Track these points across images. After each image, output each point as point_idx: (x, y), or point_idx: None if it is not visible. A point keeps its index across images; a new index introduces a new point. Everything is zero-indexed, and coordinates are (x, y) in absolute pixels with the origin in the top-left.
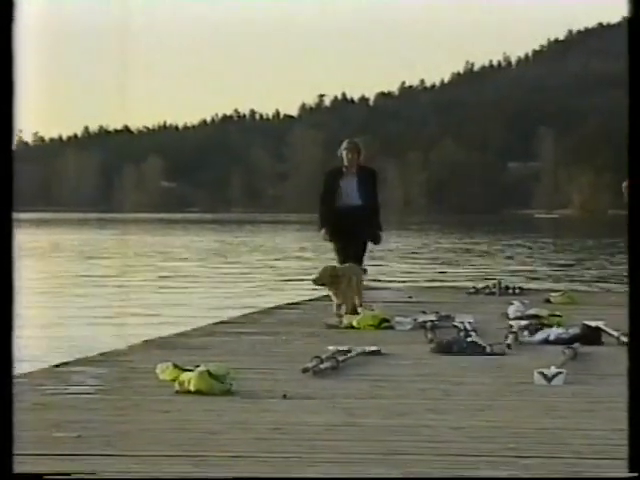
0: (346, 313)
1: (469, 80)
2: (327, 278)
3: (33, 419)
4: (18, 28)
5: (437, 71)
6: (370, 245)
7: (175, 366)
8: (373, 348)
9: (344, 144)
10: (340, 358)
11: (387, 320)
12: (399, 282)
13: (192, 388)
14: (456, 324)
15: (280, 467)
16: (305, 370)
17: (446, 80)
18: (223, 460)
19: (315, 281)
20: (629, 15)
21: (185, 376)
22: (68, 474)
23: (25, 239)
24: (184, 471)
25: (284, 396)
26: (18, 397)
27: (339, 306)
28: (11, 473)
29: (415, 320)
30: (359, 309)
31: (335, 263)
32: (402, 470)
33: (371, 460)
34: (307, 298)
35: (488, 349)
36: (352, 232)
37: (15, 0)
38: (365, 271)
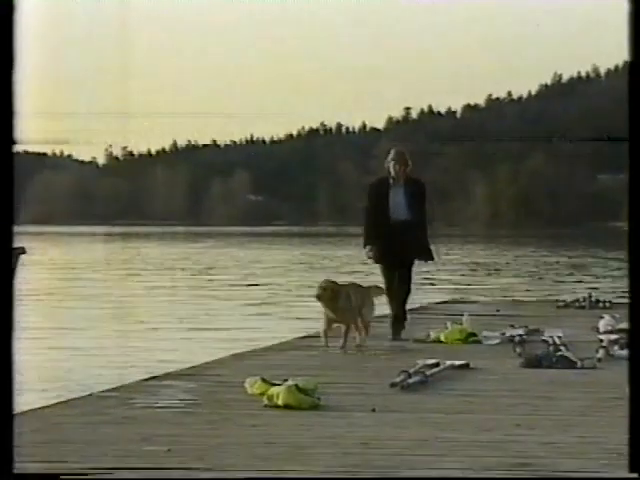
0: (345, 333)
1: (557, 92)
2: (329, 296)
3: (123, 432)
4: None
5: (524, 83)
6: (434, 261)
7: (264, 380)
8: (462, 362)
9: (391, 154)
10: (428, 372)
11: (474, 334)
12: (487, 296)
13: (280, 402)
14: (545, 338)
15: None
16: (393, 385)
17: (533, 92)
18: (311, 475)
19: (318, 297)
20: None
21: (274, 390)
22: (85, 474)
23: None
24: None
25: (373, 410)
26: (108, 410)
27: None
28: (11, 473)
29: (503, 334)
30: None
31: (382, 286)
32: None
33: (460, 475)
34: None
35: (578, 364)
36: (400, 251)
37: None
38: (408, 293)
